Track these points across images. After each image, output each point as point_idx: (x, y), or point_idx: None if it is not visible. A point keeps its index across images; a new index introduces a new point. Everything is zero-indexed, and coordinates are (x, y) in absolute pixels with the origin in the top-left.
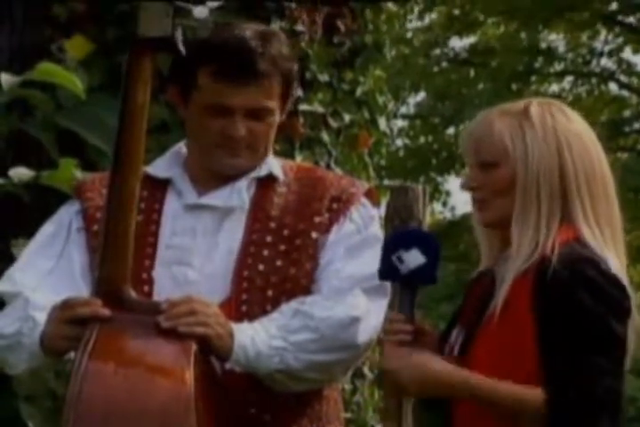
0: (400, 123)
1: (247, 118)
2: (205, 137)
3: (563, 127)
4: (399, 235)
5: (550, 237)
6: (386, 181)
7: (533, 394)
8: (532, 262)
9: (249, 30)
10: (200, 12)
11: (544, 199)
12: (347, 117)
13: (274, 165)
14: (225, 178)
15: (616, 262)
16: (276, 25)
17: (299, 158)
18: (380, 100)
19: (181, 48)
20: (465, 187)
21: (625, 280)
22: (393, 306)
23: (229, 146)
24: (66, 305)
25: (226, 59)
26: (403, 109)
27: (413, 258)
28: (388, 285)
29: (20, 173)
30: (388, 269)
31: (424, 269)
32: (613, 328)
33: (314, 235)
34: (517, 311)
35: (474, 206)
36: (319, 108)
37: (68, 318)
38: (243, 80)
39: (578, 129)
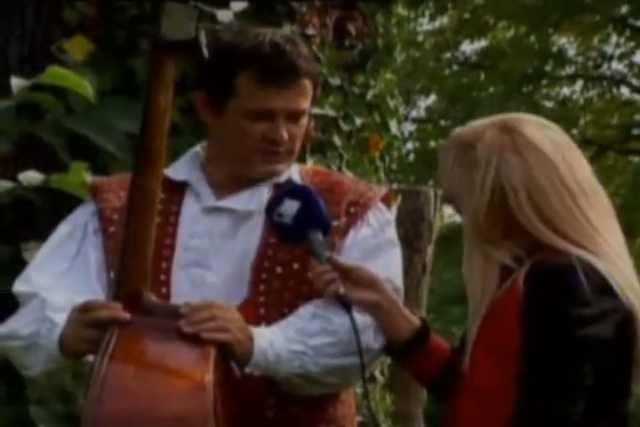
0: (410, 126)
1: (287, 121)
2: (245, 142)
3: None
4: (271, 199)
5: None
6: (395, 185)
7: None
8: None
9: (276, 34)
10: (224, 15)
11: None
12: (358, 121)
13: (292, 170)
14: (244, 182)
15: (604, 265)
16: (286, 28)
17: (310, 162)
18: (391, 103)
19: (205, 51)
20: None
21: (615, 283)
22: None
23: (271, 151)
24: (85, 308)
25: (268, 62)
26: (413, 113)
27: (289, 207)
28: (402, 287)
29: (30, 176)
30: (279, 232)
31: (307, 214)
32: (585, 336)
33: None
34: (505, 317)
35: None
36: (330, 112)
37: (88, 320)
38: (287, 82)
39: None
